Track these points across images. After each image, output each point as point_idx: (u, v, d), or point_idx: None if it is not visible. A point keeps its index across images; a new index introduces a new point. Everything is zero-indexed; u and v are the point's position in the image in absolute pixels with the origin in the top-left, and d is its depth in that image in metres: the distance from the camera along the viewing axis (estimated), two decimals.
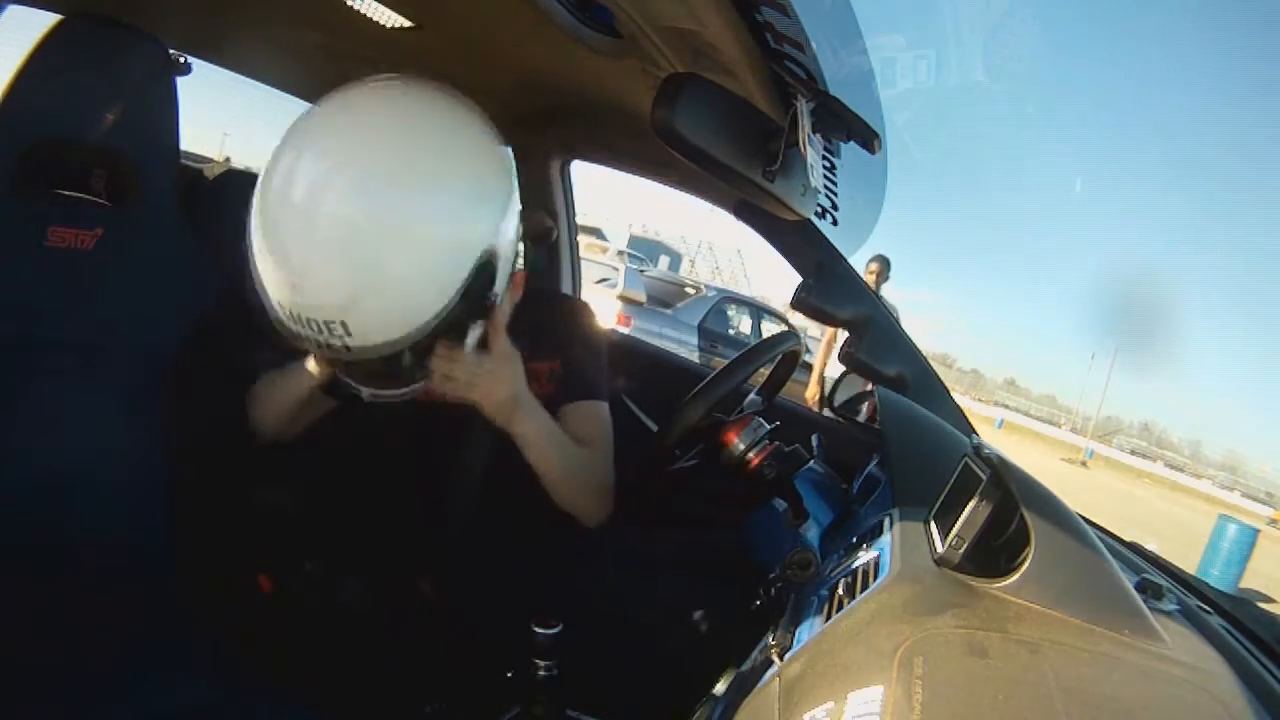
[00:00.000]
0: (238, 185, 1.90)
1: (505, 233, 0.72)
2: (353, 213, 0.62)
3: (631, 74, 0.96)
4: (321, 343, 0.63)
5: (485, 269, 0.69)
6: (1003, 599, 0.50)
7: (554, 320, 1.04)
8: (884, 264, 4.04)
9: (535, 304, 0.92)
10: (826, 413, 1.39)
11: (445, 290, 0.65)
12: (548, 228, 1.55)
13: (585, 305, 1.13)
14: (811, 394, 4.27)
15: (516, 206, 0.75)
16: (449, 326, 0.68)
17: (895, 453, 0.81)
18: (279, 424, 0.94)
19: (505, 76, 1.24)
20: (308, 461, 1.00)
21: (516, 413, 0.84)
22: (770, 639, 0.59)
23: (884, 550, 0.61)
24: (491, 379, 0.79)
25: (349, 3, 1.06)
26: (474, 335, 0.75)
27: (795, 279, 1.19)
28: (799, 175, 0.88)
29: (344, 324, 0.62)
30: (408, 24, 1.11)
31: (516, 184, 0.76)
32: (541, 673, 0.73)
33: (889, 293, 4.30)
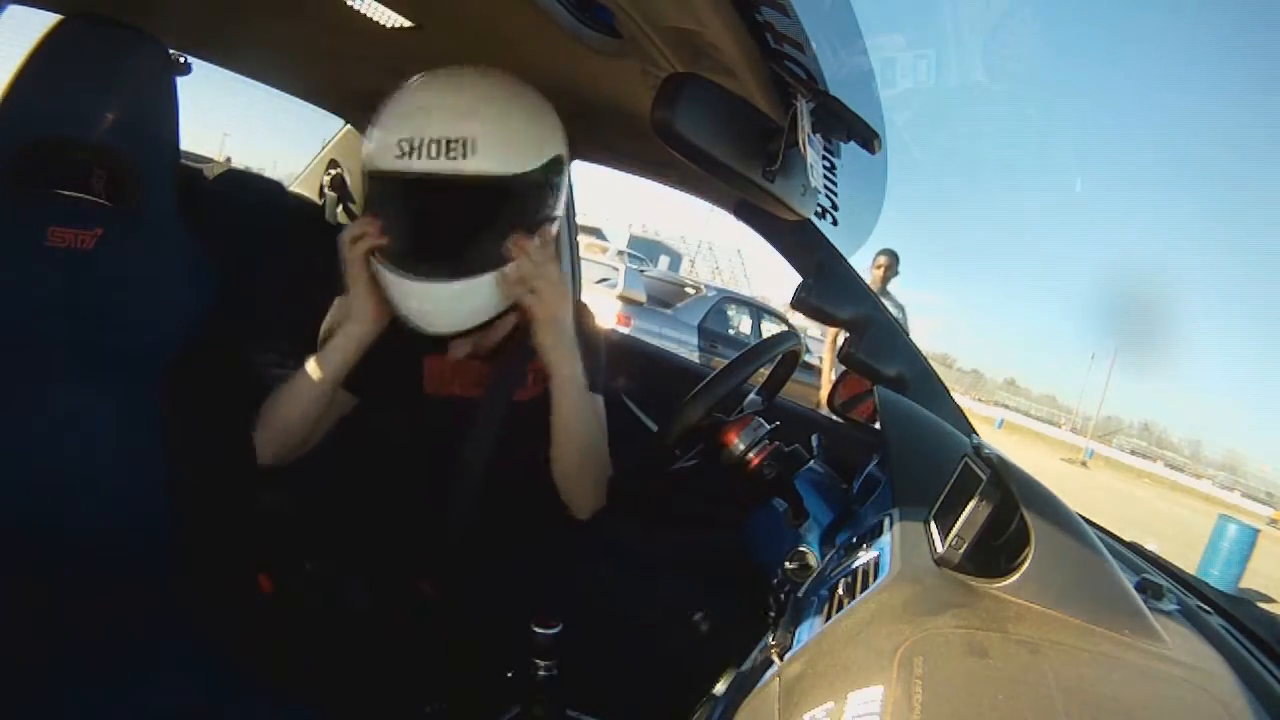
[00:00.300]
0: (238, 185, 1.92)
1: (563, 162, 0.90)
2: (485, 83, 0.86)
3: (631, 74, 0.96)
4: (436, 168, 0.78)
5: (556, 165, 0.88)
6: (1003, 599, 0.50)
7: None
8: (893, 258, 3.85)
9: None
10: (826, 412, 1.39)
11: (534, 158, 0.84)
12: None
13: (585, 306, 1.14)
14: (824, 396, 4.18)
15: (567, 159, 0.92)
16: (525, 203, 0.85)
17: (895, 453, 0.81)
18: (299, 435, 0.94)
19: None
20: (308, 462, 1.01)
21: (564, 343, 0.90)
22: (770, 639, 0.59)
23: (884, 550, 0.61)
24: (555, 292, 0.87)
25: (349, 3, 1.06)
26: (539, 241, 0.87)
27: (795, 279, 1.19)
28: (799, 175, 0.88)
29: (465, 142, 0.78)
30: (408, 24, 1.11)
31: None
32: (541, 673, 0.73)
33: (896, 289, 4.12)
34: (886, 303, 3.17)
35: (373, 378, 0.97)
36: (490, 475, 0.97)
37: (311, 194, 2.07)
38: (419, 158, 0.78)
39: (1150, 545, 0.88)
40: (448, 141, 0.78)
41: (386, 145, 0.80)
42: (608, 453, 1.02)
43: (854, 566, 0.62)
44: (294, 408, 0.93)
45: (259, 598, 0.99)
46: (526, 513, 1.06)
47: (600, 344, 1.10)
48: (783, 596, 0.64)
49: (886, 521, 0.69)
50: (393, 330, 0.92)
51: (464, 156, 0.78)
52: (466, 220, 0.84)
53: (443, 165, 0.78)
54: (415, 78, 0.87)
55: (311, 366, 0.92)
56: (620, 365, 1.38)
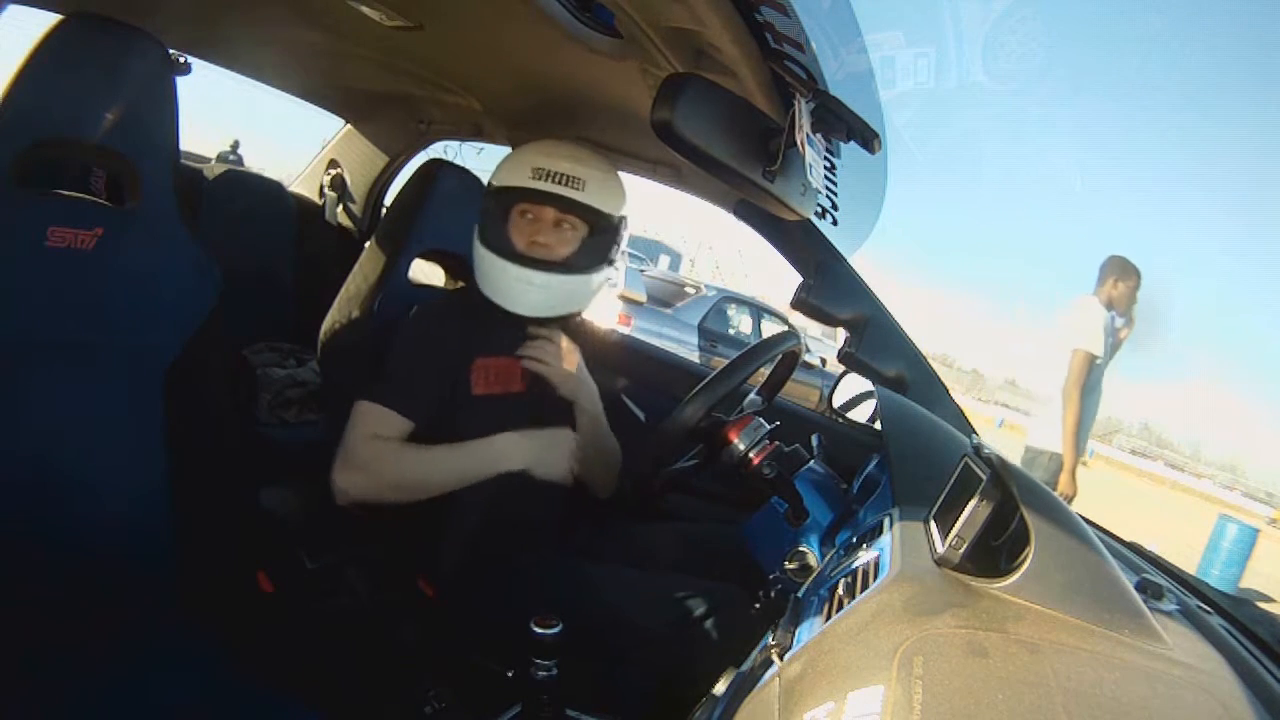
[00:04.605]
0: (238, 185, 1.92)
1: (626, 224, 1.12)
2: (589, 151, 1.09)
3: (631, 74, 0.96)
4: (559, 192, 1.03)
5: (623, 222, 1.10)
6: (1003, 599, 0.50)
7: (578, 325, 1.22)
8: (1135, 275, 2.55)
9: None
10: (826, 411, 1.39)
11: (613, 209, 1.07)
12: None
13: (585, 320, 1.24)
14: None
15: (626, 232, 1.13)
16: (600, 245, 1.08)
17: (895, 453, 0.81)
18: (443, 491, 0.98)
19: (505, 76, 1.24)
20: (309, 462, 1.01)
21: (582, 392, 1.10)
22: (770, 639, 0.59)
23: (884, 550, 0.61)
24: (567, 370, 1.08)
25: (349, 3, 1.05)
26: (601, 277, 1.11)
27: (795, 279, 1.19)
28: (799, 175, 0.88)
29: (580, 180, 1.03)
30: (408, 24, 1.11)
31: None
32: (541, 673, 0.73)
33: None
34: (1122, 325, 2.43)
35: (421, 400, 1.01)
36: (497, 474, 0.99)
37: (311, 194, 2.07)
38: (547, 181, 1.03)
39: (1150, 545, 0.88)
40: (569, 176, 1.03)
41: (520, 169, 1.04)
42: (617, 444, 1.17)
43: (854, 566, 0.62)
44: (443, 484, 0.98)
45: (259, 597, 0.99)
46: (530, 512, 1.06)
47: (599, 346, 1.20)
48: (783, 596, 0.64)
49: (886, 521, 0.69)
50: (449, 341, 1.04)
51: (579, 189, 1.03)
52: (589, 237, 1.07)
53: (568, 187, 1.03)
54: (543, 140, 1.11)
55: (448, 476, 0.98)
56: (620, 365, 1.38)
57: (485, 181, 1.12)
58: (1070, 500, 2.24)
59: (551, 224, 1.05)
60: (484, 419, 1.02)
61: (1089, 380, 2.42)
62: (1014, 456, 0.56)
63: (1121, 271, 2.51)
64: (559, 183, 1.02)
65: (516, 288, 1.05)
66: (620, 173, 1.11)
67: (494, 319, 1.07)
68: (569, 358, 1.07)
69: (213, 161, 2.32)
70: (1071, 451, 2.41)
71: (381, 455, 0.96)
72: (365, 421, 0.98)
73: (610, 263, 1.10)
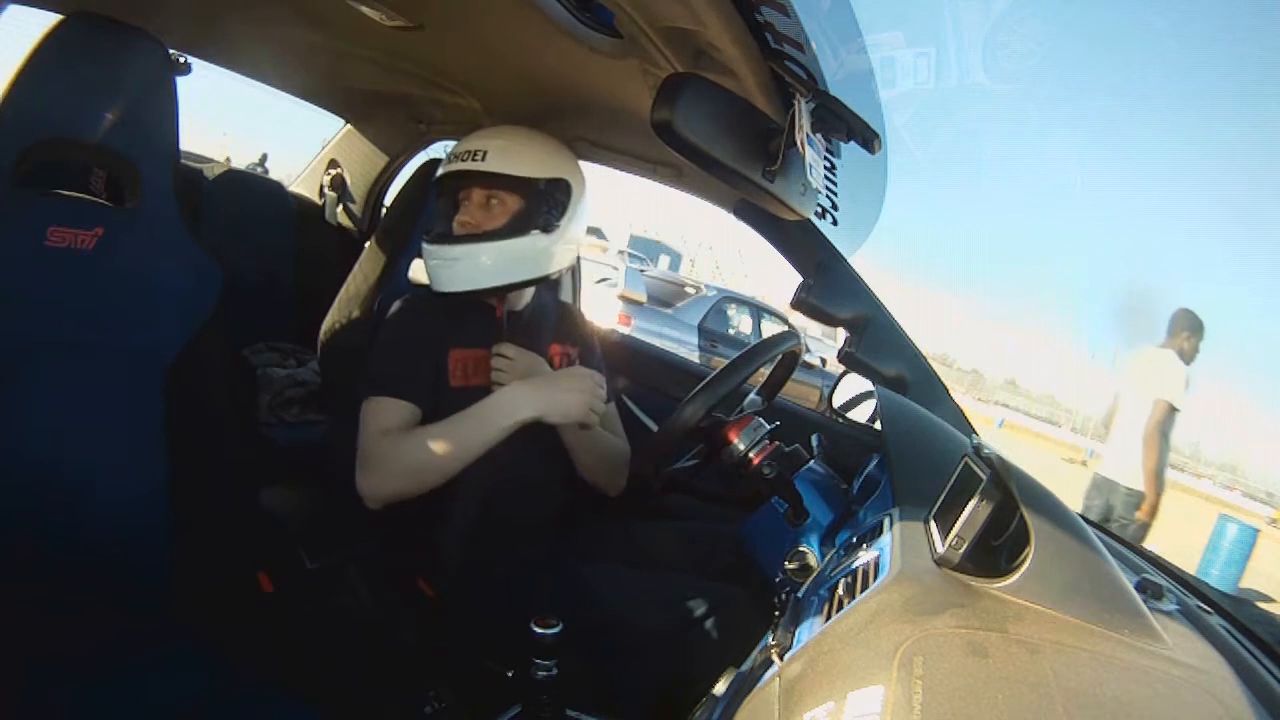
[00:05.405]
0: (238, 185, 1.92)
1: (575, 188, 1.09)
2: (513, 129, 1.11)
3: (631, 74, 0.96)
4: (462, 167, 1.03)
5: (558, 184, 1.07)
6: (1003, 599, 0.50)
7: (576, 316, 1.25)
8: (1203, 330, 2.77)
9: (556, 295, 1.18)
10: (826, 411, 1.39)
11: (528, 173, 1.04)
12: None
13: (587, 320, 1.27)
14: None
15: (584, 197, 1.10)
16: (531, 210, 1.05)
17: (895, 453, 0.81)
18: (464, 464, 0.95)
19: (505, 76, 1.24)
20: (309, 462, 1.01)
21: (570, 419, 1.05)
22: (770, 639, 0.59)
23: (884, 550, 0.61)
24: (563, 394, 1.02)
25: (349, 3, 1.05)
26: (542, 241, 1.06)
27: (795, 279, 1.19)
28: (798, 175, 0.88)
29: (479, 151, 1.03)
30: (408, 24, 1.11)
31: (583, 193, 1.11)
32: (541, 673, 0.73)
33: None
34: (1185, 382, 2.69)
35: (418, 382, 1.01)
36: (514, 457, 0.99)
37: (311, 194, 2.07)
38: (454, 161, 1.04)
39: (1150, 546, 0.88)
40: (471, 151, 1.04)
41: (447, 159, 1.07)
42: (623, 444, 1.17)
43: (854, 566, 0.62)
44: (461, 455, 0.94)
45: (259, 597, 0.99)
46: (531, 512, 1.06)
47: (597, 348, 1.21)
48: (783, 596, 0.64)
49: (886, 521, 0.69)
50: (424, 332, 1.04)
51: (479, 161, 1.03)
52: (492, 210, 1.06)
53: (466, 165, 1.03)
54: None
55: (464, 447, 0.94)
56: (620, 365, 1.38)
57: None
58: (1147, 528, 2.73)
59: (479, 204, 1.05)
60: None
61: (1167, 426, 2.70)
62: (1014, 456, 0.56)
63: (1193, 327, 2.77)
64: (463, 159, 1.03)
65: (437, 267, 1.04)
66: (618, 171, 1.11)
67: (468, 312, 1.07)
68: (518, 365, 1.04)
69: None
70: (1154, 490, 2.72)
71: (394, 447, 0.95)
72: (372, 419, 0.97)
73: (545, 227, 1.05)
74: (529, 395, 0.96)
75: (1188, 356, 2.76)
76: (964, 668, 0.43)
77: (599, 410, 1.02)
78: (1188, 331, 2.76)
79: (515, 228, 1.03)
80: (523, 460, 1.02)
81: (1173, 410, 2.68)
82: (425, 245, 1.06)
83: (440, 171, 1.07)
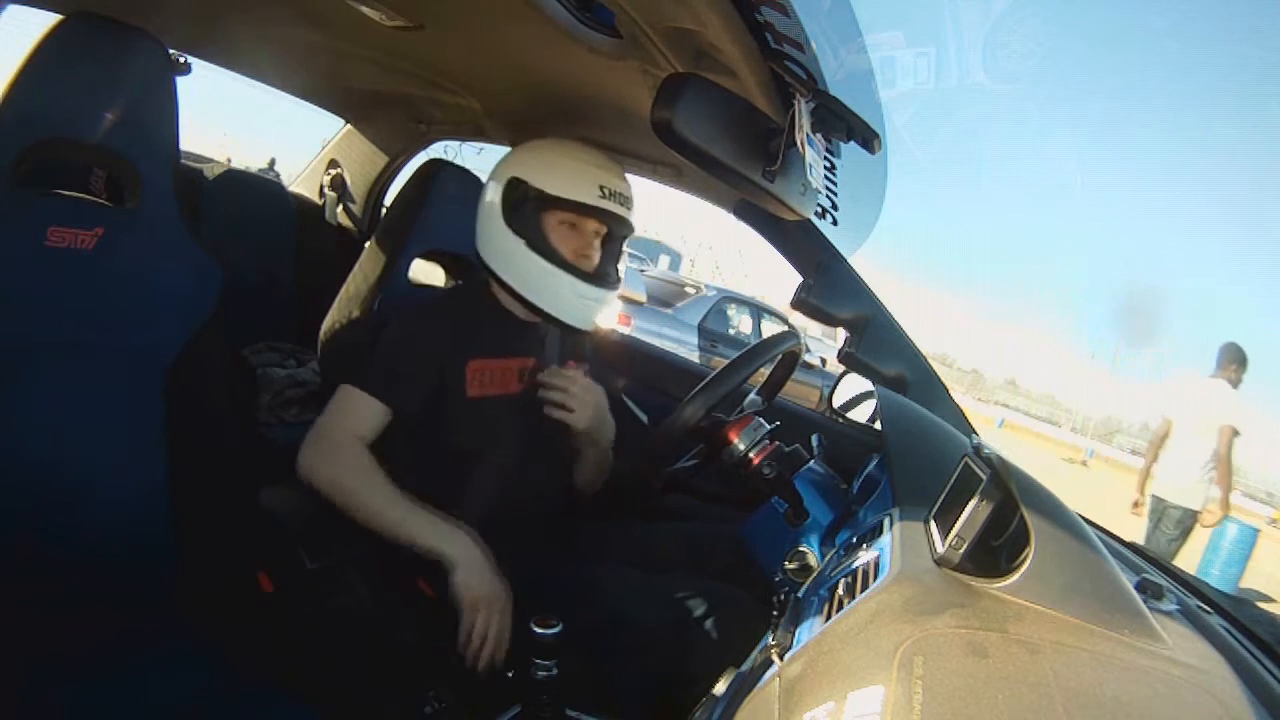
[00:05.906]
0: (238, 185, 1.92)
1: None
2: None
3: (631, 74, 0.95)
4: (622, 213, 1.05)
5: None
6: (1003, 599, 0.50)
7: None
8: (1244, 360, 3.18)
9: None
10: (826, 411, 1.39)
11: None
12: None
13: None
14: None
15: None
16: (614, 253, 1.10)
17: (895, 453, 0.81)
18: (372, 529, 0.94)
19: (505, 76, 1.24)
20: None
21: (596, 431, 1.09)
22: (770, 639, 0.59)
23: (884, 550, 0.61)
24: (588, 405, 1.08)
25: (349, 3, 1.05)
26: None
27: (795, 279, 1.19)
28: (799, 175, 0.88)
29: (631, 200, 1.06)
30: (408, 24, 1.11)
31: None
32: (541, 673, 0.73)
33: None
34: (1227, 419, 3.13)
35: (417, 395, 1.01)
36: (522, 462, 1.01)
37: (311, 194, 2.07)
38: (612, 201, 1.04)
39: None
40: (626, 198, 1.05)
41: (584, 184, 1.03)
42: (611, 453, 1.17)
43: (854, 566, 0.62)
44: (381, 527, 0.93)
45: (259, 598, 0.99)
46: (531, 511, 1.06)
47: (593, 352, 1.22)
48: (783, 596, 0.64)
49: (886, 521, 0.69)
50: (435, 343, 1.02)
51: (631, 211, 1.06)
52: (617, 251, 1.10)
53: (623, 211, 1.05)
54: (563, 141, 1.10)
55: (400, 520, 0.92)
56: (620, 365, 1.38)
57: (486, 180, 1.11)
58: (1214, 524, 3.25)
59: (595, 237, 1.06)
60: (479, 421, 1.02)
61: (1233, 448, 3.15)
62: (1014, 456, 0.56)
63: (1240, 360, 3.21)
64: (621, 204, 1.04)
65: (578, 304, 1.04)
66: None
67: (486, 319, 1.06)
68: (588, 397, 1.06)
69: None
70: (1226, 501, 3.18)
71: (352, 458, 0.94)
72: (345, 408, 0.98)
73: None
74: (467, 557, 0.90)
75: (1235, 385, 3.19)
76: (964, 668, 0.43)
77: (605, 423, 1.06)
78: (1236, 364, 3.19)
79: (617, 273, 1.10)
80: (524, 462, 1.02)
81: (1236, 434, 3.11)
82: (558, 271, 1.02)
83: (587, 201, 1.02)
